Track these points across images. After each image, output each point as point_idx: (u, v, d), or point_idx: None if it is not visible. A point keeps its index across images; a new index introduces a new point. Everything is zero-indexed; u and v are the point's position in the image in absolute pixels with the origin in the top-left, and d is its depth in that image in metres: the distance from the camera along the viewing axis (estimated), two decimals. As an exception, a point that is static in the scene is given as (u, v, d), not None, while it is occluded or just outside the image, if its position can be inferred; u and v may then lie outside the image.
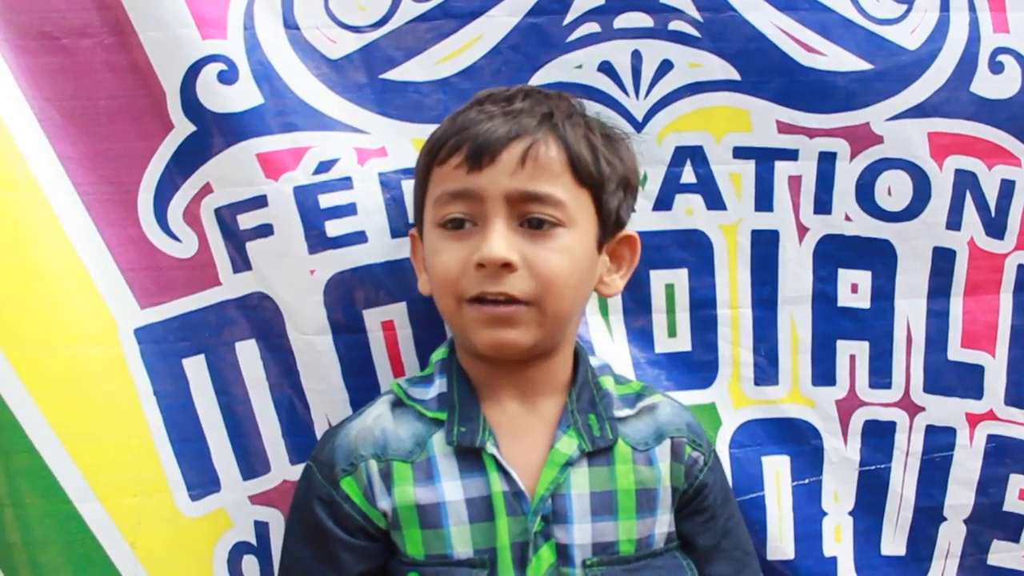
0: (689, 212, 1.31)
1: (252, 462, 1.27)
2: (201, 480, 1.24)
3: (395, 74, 1.25)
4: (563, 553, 1.09)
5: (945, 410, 1.36)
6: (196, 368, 1.25)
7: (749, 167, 1.31)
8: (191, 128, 1.21)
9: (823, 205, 1.32)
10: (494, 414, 1.13)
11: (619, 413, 1.15)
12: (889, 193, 1.32)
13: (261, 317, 1.25)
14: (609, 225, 1.13)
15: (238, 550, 1.26)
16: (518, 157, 1.07)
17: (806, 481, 1.36)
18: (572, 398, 1.14)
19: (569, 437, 1.11)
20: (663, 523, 1.14)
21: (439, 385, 1.14)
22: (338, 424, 1.18)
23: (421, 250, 1.17)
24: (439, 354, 1.18)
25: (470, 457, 1.10)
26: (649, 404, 1.17)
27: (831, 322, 1.34)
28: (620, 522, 1.11)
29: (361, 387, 1.25)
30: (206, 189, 1.23)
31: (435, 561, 1.09)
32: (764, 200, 1.32)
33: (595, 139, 1.12)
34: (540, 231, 1.07)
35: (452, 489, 1.09)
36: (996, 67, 1.33)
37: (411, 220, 1.23)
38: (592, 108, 1.20)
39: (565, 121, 1.10)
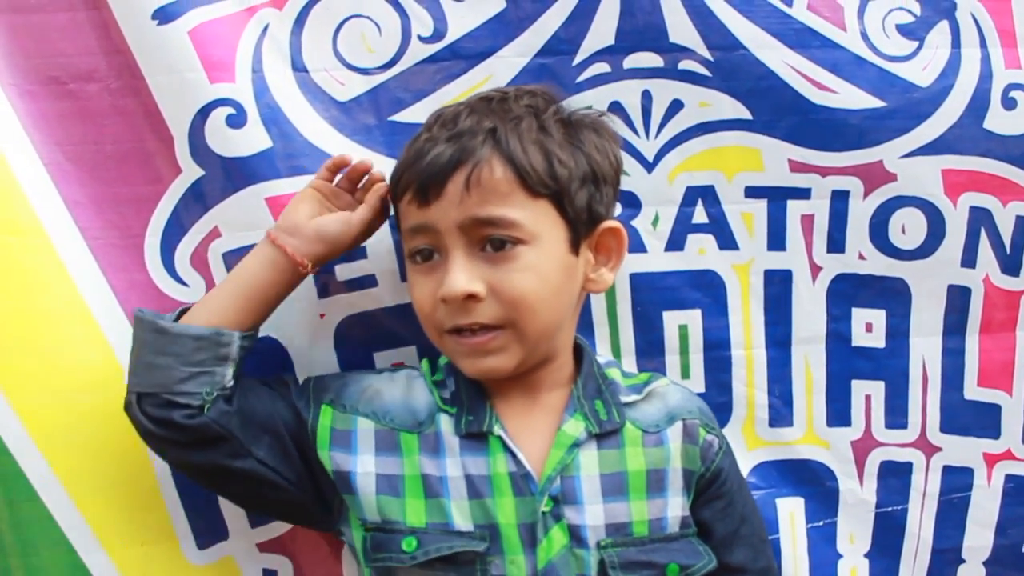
0: (701, 252, 1.30)
1: (260, 509, 1.25)
2: (208, 528, 1.23)
3: (404, 116, 1.24)
4: (576, 534, 1.08)
5: (962, 450, 1.35)
6: (203, 414, 1.23)
7: (761, 206, 1.30)
8: (199, 172, 1.21)
9: (836, 244, 1.31)
10: (501, 406, 1.13)
11: (626, 399, 1.15)
12: (903, 231, 1.31)
13: (270, 362, 1.23)
14: (581, 224, 1.09)
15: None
16: (462, 185, 1.05)
17: (821, 523, 1.35)
18: (578, 386, 1.14)
19: (576, 420, 1.12)
20: (675, 506, 1.13)
21: (450, 385, 1.15)
22: (358, 371, 1.18)
23: None
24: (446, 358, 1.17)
25: (476, 440, 1.10)
26: (657, 389, 1.18)
27: (846, 362, 1.33)
28: (632, 503, 1.10)
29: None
30: (214, 233, 1.22)
31: (437, 528, 1.08)
32: (777, 239, 1.31)
33: (550, 142, 1.07)
34: (502, 252, 1.06)
35: (453, 465, 1.09)
36: (1009, 103, 1.32)
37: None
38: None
39: (510, 133, 1.06)
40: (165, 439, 1.09)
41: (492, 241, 1.05)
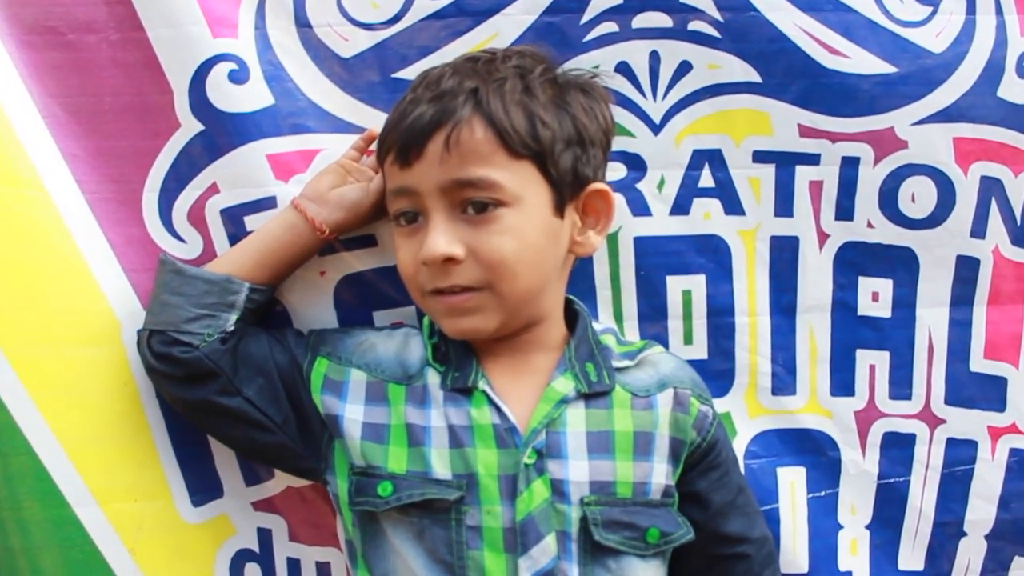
0: (707, 217, 1.28)
1: (255, 468, 1.25)
2: (203, 486, 1.23)
3: (408, 73, 1.23)
4: (558, 489, 1.08)
5: (967, 423, 1.33)
6: (200, 371, 1.23)
7: (769, 171, 1.28)
8: (199, 127, 1.20)
9: (845, 211, 1.29)
10: (489, 366, 1.13)
11: (618, 364, 1.15)
12: (913, 200, 1.29)
13: (269, 318, 1.23)
14: (565, 186, 1.09)
15: (240, 557, 1.25)
16: (442, 146, 1.05)
17: (822, 493, 1.34)
18: (570, 347, 1.15)
19: (565, 379, 1.12)
20: (660, 473, 1.13)
21: (441, 346, 1.15)
22: (359, 327, 1.21)
23: None
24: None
25: (461, 393, 1.11)
26: (650, 357, 1.18)
27: (851, 331, 1.32)
28: (618, 462, 1.11)
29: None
30: (212, 189, 1.21)
31: (416, 476, 1.09)
32: (784, 205, 1.29)
33: (534, 103, 1.07)
34: (483, 215, 1.06)
35: (437, 416, 1.10)
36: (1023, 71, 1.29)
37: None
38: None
39: (492, 94, 1.06)
40: (163, 374, 1.14)
41: (474, 204, 1.06)
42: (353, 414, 1.12)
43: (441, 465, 1.08)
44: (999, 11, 1.29)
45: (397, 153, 1.08)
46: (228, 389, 1.13)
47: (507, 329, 1.11)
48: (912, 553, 1.35)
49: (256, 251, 1.17)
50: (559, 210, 1.09)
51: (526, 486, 1.07)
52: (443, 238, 1.05)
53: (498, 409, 1.09)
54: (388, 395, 1.12)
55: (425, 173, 1.06)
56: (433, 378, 1.12)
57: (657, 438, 1.13)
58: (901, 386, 1.33)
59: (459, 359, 1.13)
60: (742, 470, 1.28)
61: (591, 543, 1.07)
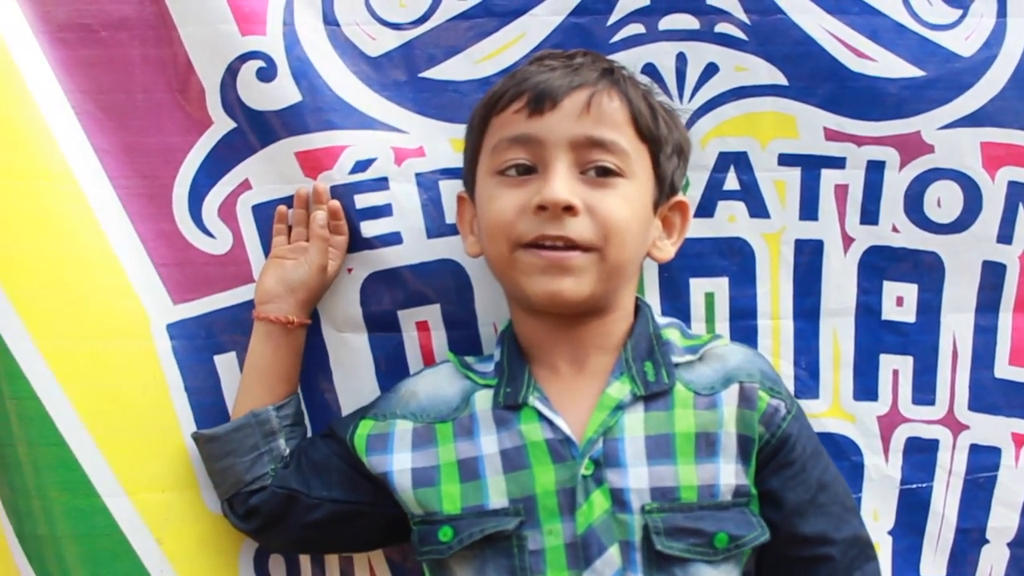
0: (731, 219, 1.28)
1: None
2: (229, 478, 1.24)
3: (435, 73, 1.24)
4: (618, 498, 1.06)
5: (990, 429, 1.32)
6: (228, 365, 1.25)
7: (794, 174, 1.28)
8: (230, 125, 1.22)
9: (870, 215, 1.28)
10: (543, 373, 1.12)
11: (679, 359, 1.13)
12: (939, 204, 1.28)
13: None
14: (664, 188, 1.13)
15: (265, 549, 1.26)
16: (582, 103, 1.07)
17: (844, 498, 1.33)
18: (628, 347, 1.13)
19: (621, 383, 1.10)
20: (728, 473, 1.09)
21: (495, 355, 1.15)
22: (399, 382, 1.20)
23: (469, 211, 1.17)
24: (502, 326, 1.19)
25: (510, 412, 1.10)
26: (715, 350, 1.15)
27: (875, 336, 1.30)
28: (679, 466, 1.07)
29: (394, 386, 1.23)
30: (244, 186, 1.23)
31: (471, 512, 1.07)
32: (809, 209, 1.28)
33: (653, 101, 1.14)
34: (604, 179, 1.08)
35: (488, 443, 1.09)
36: (1054, 76, 1.28)
37: (455, 208, 1.22)
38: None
39: (624, 78, 1.12)
40: (258, 528, 1.18)
41: (598, 168, 1.07)
42: (401, 464, 1.11)
43: (497, 493, 1.07)
44: (1032, 13, 1.28)
45: (529, 100, 1.08)
46: (311, 503, 1.15)
47: (592, 303, 1.09)
48: (934, 560, 1.34)
49: (256, 377, 1.20)
50: (655, 206, 1.13)
51: (585, 498, 1.05)
52: (566, 186, 1.06)
53: (550, 423, 1.08)
54: (436, 436, 1.12)
55: (558, 124, 1.07)
56: (482, 402, 1.11)
57: (723, 437, 1.09)
58: (925, 391, 1.31)
59: (512, 370, 1.12)
60: None
61: (654, 552, 1.04)
